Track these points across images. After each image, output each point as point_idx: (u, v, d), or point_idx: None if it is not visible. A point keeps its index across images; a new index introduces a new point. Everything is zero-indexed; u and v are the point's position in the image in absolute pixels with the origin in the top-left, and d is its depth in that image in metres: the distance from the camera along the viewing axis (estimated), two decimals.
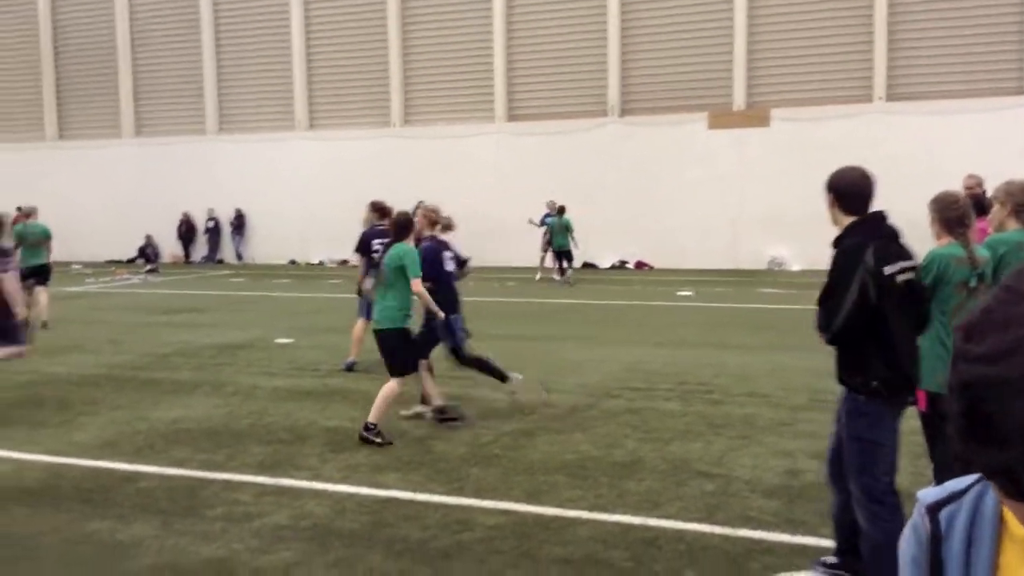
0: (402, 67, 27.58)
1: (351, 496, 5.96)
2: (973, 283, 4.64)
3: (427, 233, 8.20)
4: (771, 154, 23.96)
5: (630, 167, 25.12)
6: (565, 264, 21.64)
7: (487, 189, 26.26)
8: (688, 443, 7.11)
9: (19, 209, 16.09)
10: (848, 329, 4.04)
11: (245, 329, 13.83)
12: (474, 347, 8.45)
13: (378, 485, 6.17)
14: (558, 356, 11.09)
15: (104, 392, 9.44)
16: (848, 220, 4.21)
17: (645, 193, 24.94)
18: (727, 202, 24.38)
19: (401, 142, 27.27)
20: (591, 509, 5.63)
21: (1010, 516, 0.99)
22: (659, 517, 5.48)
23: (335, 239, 25.55)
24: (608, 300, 17.54)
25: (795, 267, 23.28)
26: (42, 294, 14.18)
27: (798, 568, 4.72)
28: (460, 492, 5.99)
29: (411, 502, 5.82)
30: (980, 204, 8.04)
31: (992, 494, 1.02)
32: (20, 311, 8.51)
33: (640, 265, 25.28)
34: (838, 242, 4.19)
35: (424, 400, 8.10)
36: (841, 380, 4.23)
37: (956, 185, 8.78)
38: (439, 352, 8.35)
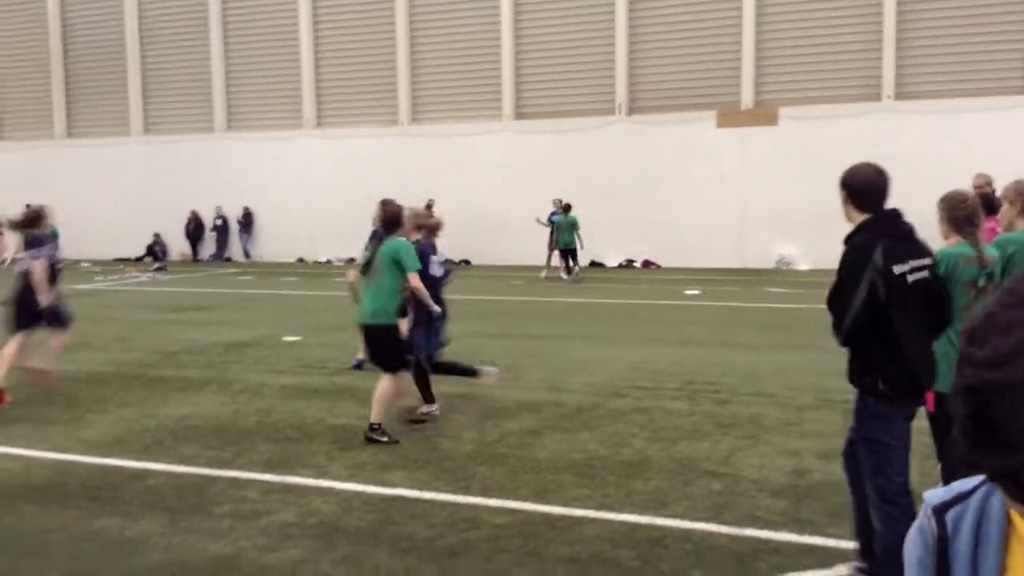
0: (410, 65, 27.59)
1: (358, 494, 5.97)
2: (982, 282, 4.62)
3: (414, 237, 8.11)
4: (779, 153, 23.90)
5: (638, 166, 25.09)
6: (571, 262, 21.67)
7: (494, 187, 26.28)
8: (695, 442, 7.10)
9: (28, 208, 16.13)
10: (858, 329, 4.00)
11: (253, 327, 13.87)
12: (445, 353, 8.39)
13: (385, 483, 6.17)
14: (565, 355, 11.09)
15: (112, 389, 9.47)
16: (861, 217, 4.14)
17: (653, 192, 24.91)
18: (735, 201, 24.34)
19: (409, 140, 27.28)
20: (598, 508, 5.62)
21: (1017, 518, 0.99)
22: (666, 516, 5.47)
23: (343, 237, 25.60)
24: (615, 299, 17.53)
25: (803, 266, 23.22)
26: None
27: (805, 568, 4.71)
28: (467, 491, 6.00)
29: (418, 500, 5.83)
30: (989, 203, 8.01)
31: (999, 495, 1.02)
32: (43, 299, 8.90)
33: (647, 264, 25.25)
34: (849, 240, 4.13)
35: (428, 400, 8.07)
36: (851, 380, 4.20)
37: (965, 184, 8.75)
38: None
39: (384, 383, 7.31)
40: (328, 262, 27.55)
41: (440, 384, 9.08)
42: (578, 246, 21.69)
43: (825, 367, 9.38)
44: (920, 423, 4.28)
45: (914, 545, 1.11)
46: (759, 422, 7.71)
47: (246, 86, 29.63)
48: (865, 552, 4.47)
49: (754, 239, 24.19)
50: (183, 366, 10.78)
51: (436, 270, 8.13)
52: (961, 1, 22.58)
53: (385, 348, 7.39)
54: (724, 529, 5.25)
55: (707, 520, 5.38)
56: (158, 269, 25.93)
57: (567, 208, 21.87)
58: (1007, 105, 21.85)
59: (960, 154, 20.21)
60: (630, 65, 25.46)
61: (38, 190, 24.87)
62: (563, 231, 21.63)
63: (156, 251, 27.75)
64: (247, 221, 29.32)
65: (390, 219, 7.53)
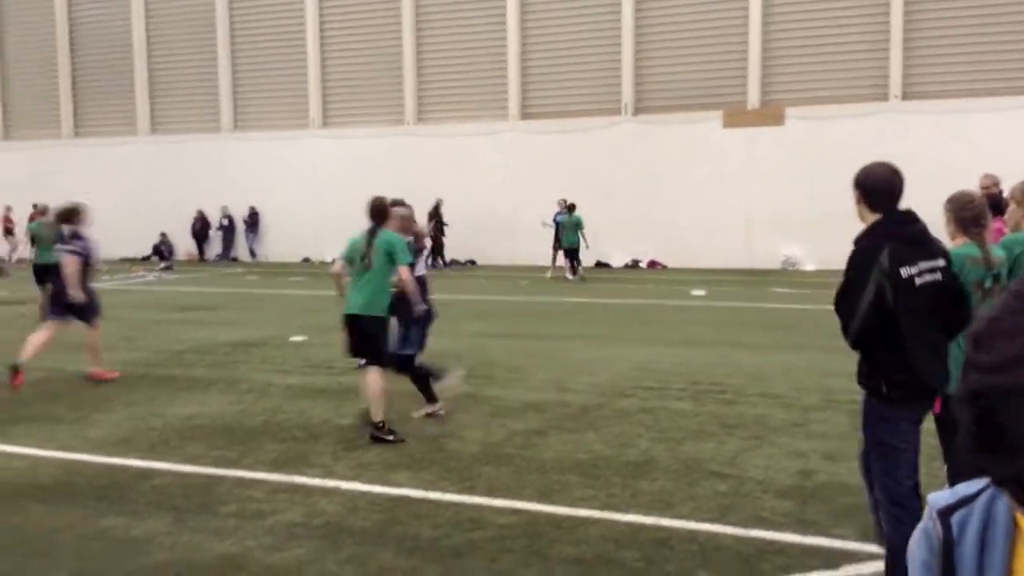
0: (416, 65, 27.61)
1: (363, 494, 5.97)
2: (988, 284, 4.61)
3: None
4: (785, 153, 23.86)
5: (644, 166, 25.07)
6: (574, 262, 21.71)
7: (500, 187, 26.28)
8: (701, 443, 7.10)
9: (35, 207, 16.20)
10: (865, 331, 3.96)
11: (259, 327, 13.89)
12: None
13: (390, 483, 6.18)
14: (570, 355, 11.09)
15: (119, 389, 9.49)
16: (873, 217, 4.09)
17: (658, 192, 24.89)
18: (741, 201, 24.30)
19: (414, 140, 27.30)
20: (603, 509, 5.62)
21: (1023, 521, 0.99)
22: (671, 517, 5.47)
23: (348, 237, 25.60)
24: (621, 299, 17.52)
25: (809, 267, 23.18)
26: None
27: (810, 569, 4.71)
28: (472, 491, 6.00)
29: (423, 500, 5.84)
30: (996, 204, 7.99)
31: (1004, 499, 1.02)
32: (73, 294, 9.53)
33: (653, 264, 25.23)
34: (857, 241, 4.08)
35: (430, 399, 8.04)
36: (859, 382, 4.18)
37: (972, 184, 8.73)
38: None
39: (373, 378, 7.24)
40: (334, 262, 27.54)
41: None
42: (581, 246, 21.70)
43: (831, 368, 9.37)
44: (927, 424, 4.26)
45: (919, 548, 1.11)
46: (765, 423, 7.70)
47: (252, 86, 29.68)
48: None
49: (760, 239, 24.15)
50: (189, 365, 10.80)
51: (420, 270, 8.15)
52: (968, 1, 22.52)
53: (379, 340, 7.34)
54: (729, 530, 5.24)
55: (712, 521, 5.38)
56: (164, 269, 25.99)
57: (571, 208, 21.88)
58: (1014, 105, 21.78)
59: (967, 154, 20.16)
60: (636, 65, 25.44)
61: (45, 189, 24.92)
62: (567, 231, 21.65)
63: (162, 251, 27.81)
64: (253, 221, 29.37)
65: (376, 210, 7.53)
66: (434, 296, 8.35)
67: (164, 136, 30.60)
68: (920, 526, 1.12)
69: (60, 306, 9.72)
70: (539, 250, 23.60)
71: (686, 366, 10.26)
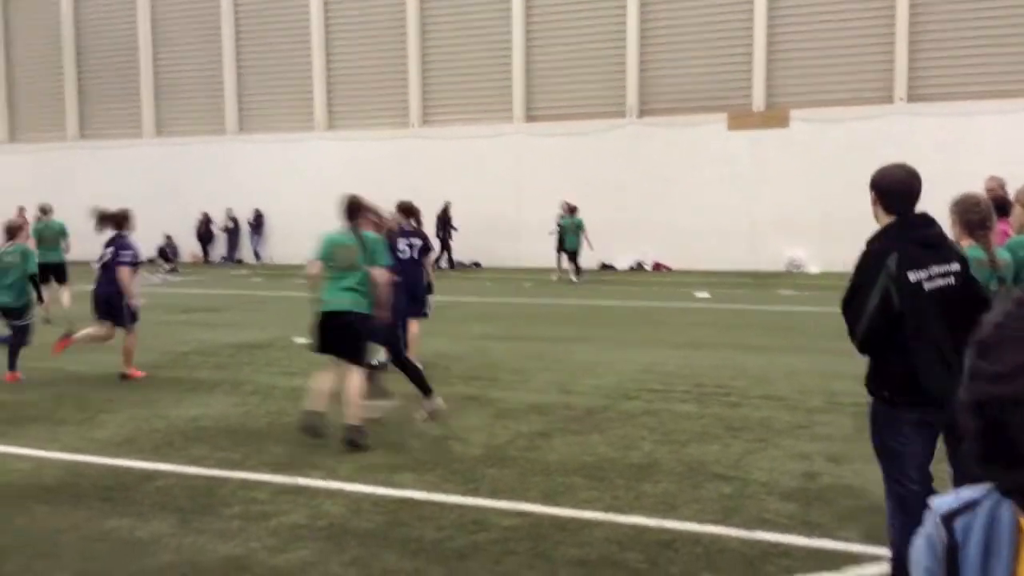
0: (421, 67, 27.63)
1: (367, 496, 5.97)
2: (994, 286, 4.60)
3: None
4: (790, 155, 23.84)
5: (648, 168, 25.06)
6: (575, 264, 21.78)
7: (505, 190, 26.29)
8: (705, 445, 7.09)
9: (42, 209, 16.23)
10: (872, 334, 3.93)
11: (264, 328, 13.90)
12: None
13: (394, 485, 6.18)
14: (575, 357, 11.08)
15: (123, 390, 9.51)
16: (889, 220, 4.04)
17: (663, 194, 24.88)
18: (745, 203, 24.29)
19: (419, 142, 27.32)
20: (607, 511, 5.61)
21: None
22: (676, 519, 5.46)
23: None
24: (625, 301, 17.51)
25: (813, 269, 23.15)
26: (64, 292, 14.34)
27: (815, 571, 4.70)
28: (476, 493, 5.99)
29: (426, 502, 5.83)
30: (1001, 205, 7.97)
31: (1009, 504, 1.01)
32: (135, 301, 10.11)
33: (658, 266, 25.22)
34: (869, 243, 4.04)
35: (426, 393, 7.99)
36: (865, 385, 4.16)
37: (977, 187, 8.71)
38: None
39: (355, 378, 7.15)
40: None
41: (448, 386, 9.10)
42: (581, 247, 21.73)
43: (835, 370, 9.35)
44: None
45: (922, 554, 1.10)
46: (769, 425, 7.69)
47: (257, 88, 29.73)
48: None
49: (764, 242, 24.13)
50: (194, 367, 10.81)
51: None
52: (973, 3, 22.49)
53: (360, 338, 7.30)
54: (734, 532, 5.23)
55: (717, 523, 5.37)
56: (169, 271, 26.03)
57: (572, 210, 21.94)
58: (1019, 108, 21.74)
59: (972, 157, 20.12)
60: (641, 67, 25.44)
61: (50, 191, 24.96)
62: (569, 233, 21.72)
63: (167, 253, 27.85)
64: (258, 223, 29.42)
65: (354, 209, 7.46)
66: (434, 296, 8.32)
67: (169, 138, 30.67)
68: (922, 532, 1.11)
69: (103, 308, 10.00)
70: (543, 252, 23.60)
71: (690, 368, 10.25)
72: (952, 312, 3.92)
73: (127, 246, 10.13)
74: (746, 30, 24.38)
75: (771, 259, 23.96)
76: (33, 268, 10.04)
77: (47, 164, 31.22)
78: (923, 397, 3.97)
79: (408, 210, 10.42)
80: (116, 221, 10.27)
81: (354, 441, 7.01)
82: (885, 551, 4.43)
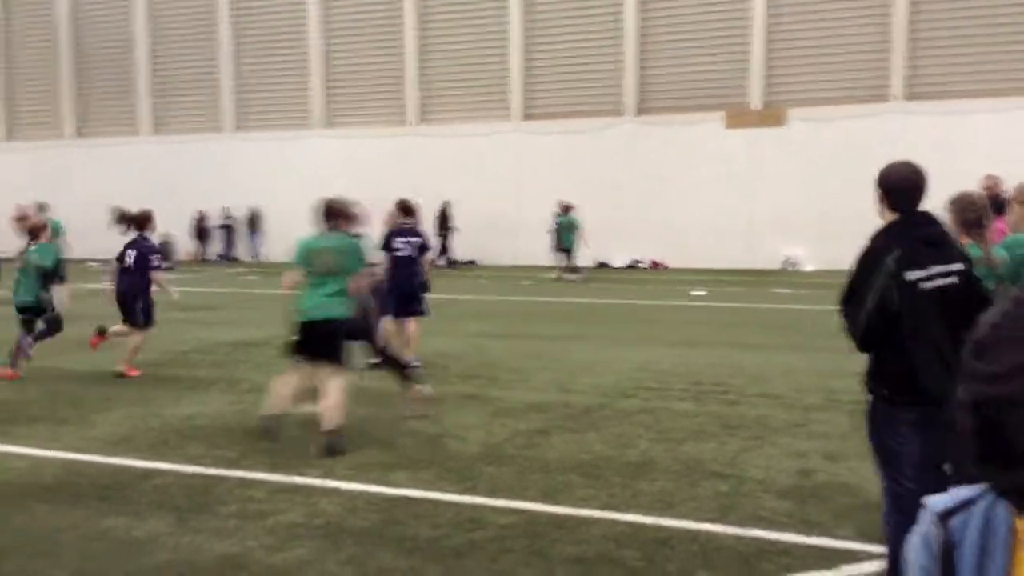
0: (419, 65, 27.62)
1: (362, 494, 5.97)
2: (991, 285, 4.60)
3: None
4: (787, 154, 23.86)
5: (646, 166, 25.08)
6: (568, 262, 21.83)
7: (503, 188, 26.30)
8: (701, 443, 7.10)
9: (40, 207, 16.22)
10: (870, 333, 3.93)
11: (260, 327, 13.89)
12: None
13: (390, 483, 6.18)
14: (572, 356, 11.09)
15: (119, 389, 9.50)
16: (892, 218, 4.02)
17: (660, 192, 24.90)
18: (742, 202, 24.31)
19: (417, 140, 27.31)
20: (604, 508, 5.62)
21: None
22: (672, 517, 5.47)
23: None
24: (622, 299, 17.52)
25: (809, 267, 23.18)
26: (64, 290, 14.25)
27: (811, 569, 4.71)
28: (473, 491, 6.00)
29: (423, 500, 5.83)
30: (998, 203, 7.99)
31: (1004, 504, 1.01)
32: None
33: (654, 265, 25.23)
34: (871, 240, 4.00)
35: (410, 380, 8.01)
36: (865, 382, 4.16)
37: (974, 185, 8.73)
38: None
39: (338, 384, 7.07)
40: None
41: (446, 384, 9.10)
42: (575, 246, 21.76)
43: (832, 368, 9.36)
44: None
45: (917, 553, 1.10)
46: (766, 423, 7.70)
47: (255, 86, 29.70)
48: None
49: (761, 240, 24.15)
50: (190, 365, 10.81)
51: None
52: (970, 2, 22.51)
53: (342, 343, 7.27)
54: (730, 530, 5.24)
55: (713, 521, 5.38)
56: (166, 269, 25.97)
57: (567, 209, 22.03)
58: (1016, 106, 21.77)
59: (969, 155, 20.13)
60: (639, 66, 25.45)
61: (48, 189, 24.96)
62: (564, 231, 21.81)
63: (164, 251, 27.79)
64: (255, 221, 29.39)
65: (338, 213, 7.43)
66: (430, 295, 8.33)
67: (166, 136, 30.63)
68: (918, 531, 1.11)
69: (128, 309, 10.10)
70: (542, 250, 23.62)
71: (687, 367, 10.26)
72: (952, 311, 3.89)
73: (153, 249, 10.27)
74: (743, 29, 24.40)
75: (768, 257, 23.98)
76: (50, 264, 10.00)
77: (44, 162, 31.18)
78: (922, 396, 3.96)
79: (407, 209, 10.42)
80: (138, 222, 10.25)
81: (334, 448, 6.87)
82: (881, 548, 4.44)
